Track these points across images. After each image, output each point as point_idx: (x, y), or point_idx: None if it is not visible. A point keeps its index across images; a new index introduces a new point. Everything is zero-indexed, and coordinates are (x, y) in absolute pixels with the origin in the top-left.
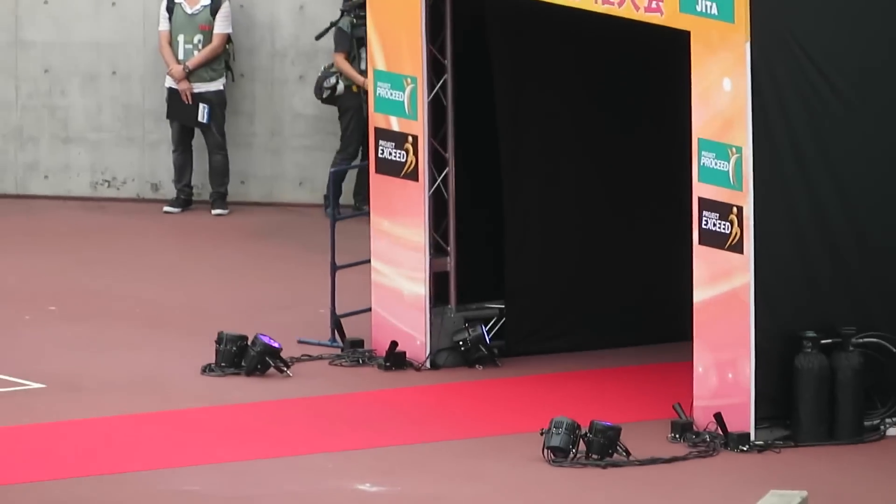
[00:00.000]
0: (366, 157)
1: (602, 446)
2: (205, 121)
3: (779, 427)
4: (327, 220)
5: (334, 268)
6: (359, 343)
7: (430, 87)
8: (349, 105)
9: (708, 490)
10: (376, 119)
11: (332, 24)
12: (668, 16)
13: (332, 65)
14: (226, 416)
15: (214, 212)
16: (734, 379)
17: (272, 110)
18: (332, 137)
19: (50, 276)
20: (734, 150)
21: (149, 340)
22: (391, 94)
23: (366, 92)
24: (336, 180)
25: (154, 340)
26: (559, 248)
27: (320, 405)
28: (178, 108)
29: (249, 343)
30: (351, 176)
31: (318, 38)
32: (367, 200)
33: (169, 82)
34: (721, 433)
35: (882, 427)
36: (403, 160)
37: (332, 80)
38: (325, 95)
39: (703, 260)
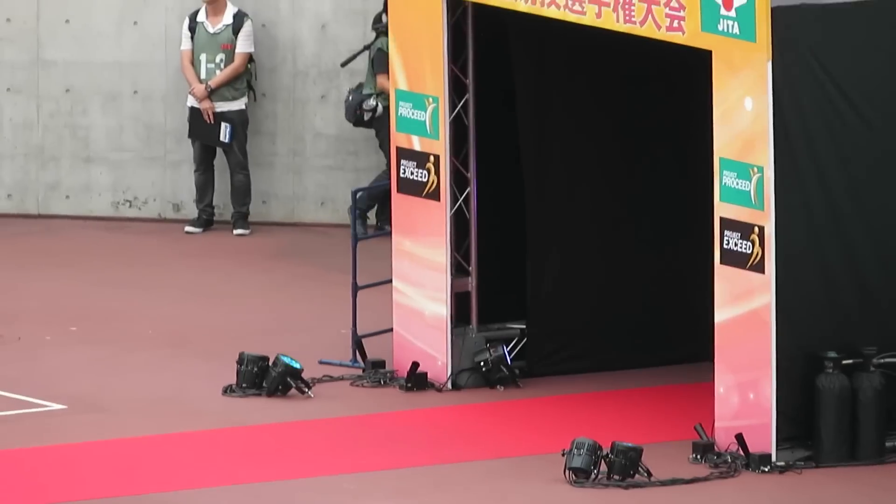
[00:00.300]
0: None
1: (624, 467)
2: (227, 140)
3: (800, 448)
4: (349, 241)
5: (356, 288)
6: (380, 364)
7: (452, 106)
8: None
9: None
10: (398, 139)
11: (366, 47)
12: (690, 35)
13: (360, 86)
14: (247, 436)
15: (236, 232)
16: (755, 399)
17: (294, 130)
18: (353, 157)
19: (71, 296)
20: (756, 169)
21: (170, 361)
22: (413, 114)
23: None
24: (373, 196)
25: (175, 361)
26: (581, 268)
27: (342, 426)
28: (200, 128)
29: (271, 364)
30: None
31: (345, 64)
32: (389, 220)
33: (191, 101)
34: (742, 454)
35: None
36: (425, 180)
37: (372, 101)
38: (365, 118)
39: (725, 280)
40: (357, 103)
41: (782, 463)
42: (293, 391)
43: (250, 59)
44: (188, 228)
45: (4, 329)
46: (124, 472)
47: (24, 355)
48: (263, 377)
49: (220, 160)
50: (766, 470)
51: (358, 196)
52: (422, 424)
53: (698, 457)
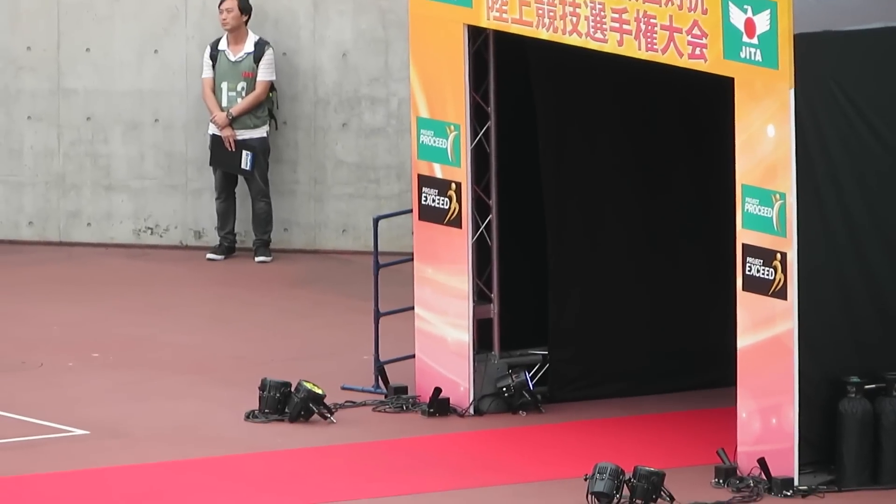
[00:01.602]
0: None
1: (646, 491)
2: (248, 168)
3: (822, 472)
4: (370, 268)
5: (378, 314)
6: (402, 389)
7: (474, 134)
8: None
9: None
10: (419, 166)
11: None
12: (712, 62)
13: None
14: (269, 462)
15: (258, 259)
16: (778, 424)
17: (315, 158)
18: (373, 185)
19: (93, 323)
20: (778, 196)
21: (192, 387)
22: (434, 142)
23: None
24: None
25: (197, 387)
26: (603, 294)
27: (364, 452)
28: (222, 156)
29: (293, 389)
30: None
31: None
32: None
33: (212, 129)
34: (765, 478)
35: None
36: (447, 207)
37: None
38: None
39: (747, 306)
40: None
41: (805, 487)
42: (316, 417)
43: (272, 87)
44: (210, 255)
45: (27, 356)
46: (147, 498)
47: (47, 382)
48: (286, 403)
49: (241, 188)
50: (789, 494)
51: None
52: (444, 450)
53: (721, 481)
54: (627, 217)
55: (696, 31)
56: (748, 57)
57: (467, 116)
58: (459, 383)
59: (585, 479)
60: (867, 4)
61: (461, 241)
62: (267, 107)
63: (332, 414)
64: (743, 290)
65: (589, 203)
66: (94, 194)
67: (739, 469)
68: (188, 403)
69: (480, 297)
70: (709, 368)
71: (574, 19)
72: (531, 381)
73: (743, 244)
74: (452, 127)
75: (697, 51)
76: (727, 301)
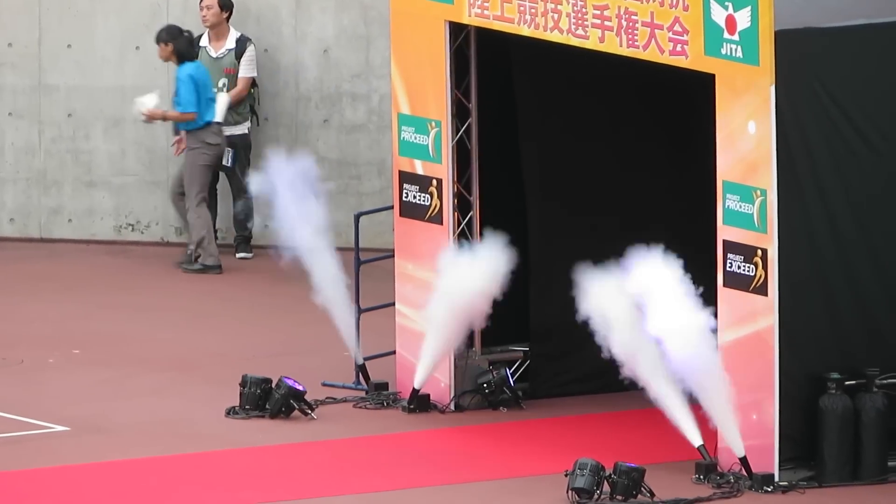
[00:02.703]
0: None
1: (626, 487)
2: (229, 165)
3: (803, 468)
4: (351, 264)
5: (359, 311)
6: (383, 386)
7: (455, 130)
8: None
9: None
10: (401, 163)
11: None
12: (693, 59)
13: None
14: (250, 458)
15: (239, 255)
16: (758, 420)
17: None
18: (354, 181)
19: (74, 319)
20: (759, 192)
21: (173, 384)
22: (415, 138)
23: None
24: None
25: (178, 384)
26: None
27: (345, 448)
28: None
29: (274, 386)
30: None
31: None
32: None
33: None
34: (745, 474)
35: None
36: (428, 203)
37: None
38: None
39: (728, 302)
40: None
41: (785, 483)
42: (296, 413)
43: (253, 83)
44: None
45: (7, 352)
46: (127, 494)
47: (28, 378)
48: (267, 399)
49: (222, 184)
50: (769, 490)
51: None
52: (425, 446)
53: (701, 477)
54: (609, 213)
55: (677, 27)
56: (729, 53)
57: (448, 113)
58: (440, 379)
59: (566, 475)
60: (849, 1)
61: (442, 238)
62: (248, 103)
63: (312, 410)
64: (724, 286)
65: (570, 199)
66: (76, 191)
67: (720, 465)
68: (169, 400)
69: None
70: None
71: (555, 16)
72: (512, 378)
73: (724, 240)
74: (434, 123)
75: (679, 47)
76: (710, 296)
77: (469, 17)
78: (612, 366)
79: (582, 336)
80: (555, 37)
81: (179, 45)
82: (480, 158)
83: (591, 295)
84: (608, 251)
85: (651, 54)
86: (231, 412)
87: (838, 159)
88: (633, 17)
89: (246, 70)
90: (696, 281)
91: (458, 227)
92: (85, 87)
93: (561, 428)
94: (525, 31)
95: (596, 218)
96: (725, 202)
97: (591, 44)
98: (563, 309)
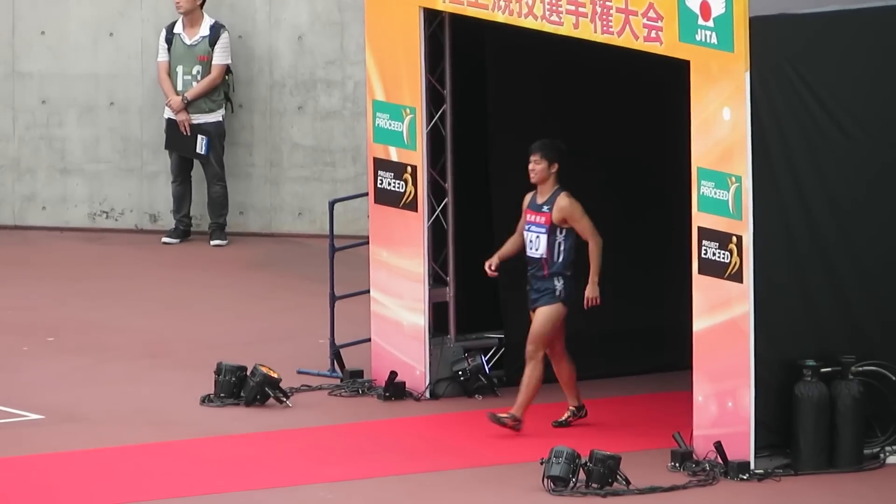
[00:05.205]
0: None
1: (602, 475)
2: (203, 152)
3: (779, 455)
4: (326, 251)
5: (333, 298)
6: (358, 373)
7: (429, 117)
8: None
9: None
10: (375, 149)
11: None
12: (668, 45)
13: None
14: (225, 446)
15: (213, 243)
16: (734, 408)
17: (271, 141)
18: (329, 168)
19: (48, 307)
20: (734, 179)
21: (148, 371)
22: (390, 125)
23: None
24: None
25: (153, 372)
26: None
27: (320, 435)
28: (177, 140)
29: (249, 373)
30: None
31: None
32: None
33: (168, 113)
34: (721, 462)
35: (882, 455)
36: (402, 190)
37: None
38: None
39: (703, 289)
40: None
41: (761, 471)
42: (271, 401)
43: (227, 70)
44: (165, 239)
45: None
46: (101, 482)
47: (1, 366)
48: (241, 387)
49: (197, 171)
50: (745, 478)
51: None
52: (400, 434)
53: (677, 465)
54: (585, 198)
55: (651, 13)
56: (704, 40)
57: (423, 99)
58: (415, 367)
59: (541, 463)
60: None
61: (417, 225)
62: (223, 90)
63: (287, 398)
64: (699, 273)
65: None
66: (49, 178)
67: (695, 453)
68: (144, 387)
69: (436, 280)
70: (666, 351)
71: (530, 2)
72: (487, 365)
73: (699, 227)
74: (408, 110)
75: (653, 33)
76: (686, 283)
77: (444, 4)
78: (584, 353)
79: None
80: (529, 23)
81: None
82: (454, 145)
83: None
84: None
85: (625, 41)
86: (206, 400)
87: (813, 145)
88: (607, 3)
89: (220, 57)
90: (675, 268)
91: (433, 214)
92: (58, 74)
93: (536, 415)
94: (499, 17)
95: None
96: (700, 188)
97: (566, 30)
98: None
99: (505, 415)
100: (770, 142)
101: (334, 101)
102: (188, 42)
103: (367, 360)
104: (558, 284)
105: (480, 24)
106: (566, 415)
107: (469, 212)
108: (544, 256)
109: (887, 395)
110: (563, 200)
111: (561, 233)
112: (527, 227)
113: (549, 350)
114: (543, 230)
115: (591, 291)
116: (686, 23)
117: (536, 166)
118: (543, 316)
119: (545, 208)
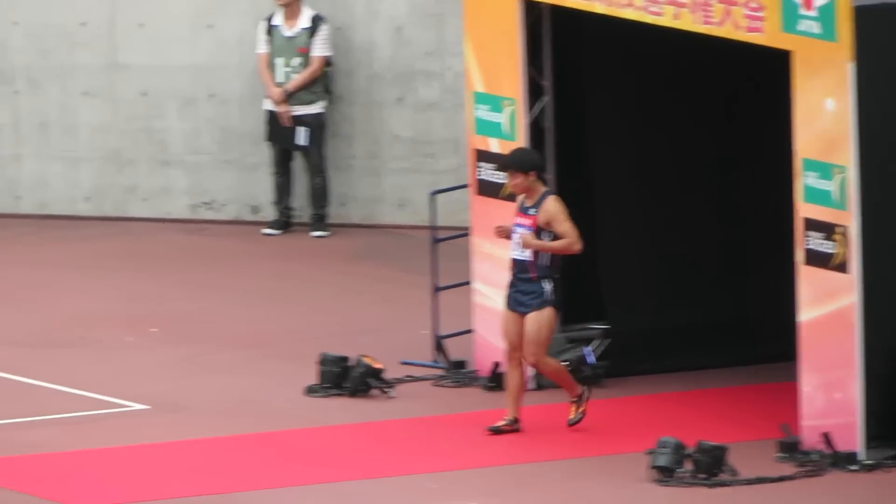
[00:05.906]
0: None
1: (709, 465)
2: (304, 143)
3: (887, 446)
4: (427, 242)
5: (436, 289)
6: (461, 364)
7: (530, 108)
8: None
9: None
10: (475, 141)
11: None
12: (770, 35)
13: None
14: (330, 436)
15: (314, 234)
16: (841, 398)
17: (371, 133)
18: (429, 159)
19: (150, 298)
20: (838, 169)
21: (251, 362)
22: (490, 116)
23: None
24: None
25: (256, 362)
26: (660, 268)
27: (424, 426)
28: (278, 131)
29: (354, 364)
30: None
31: None
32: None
33: (268, 105)
34: (829, 452)
35: None
36: (503, 182)
37: None
38: None
39: (808, 280)
40: None
41: (870, 461)
42: (375, 391)
43: (327, 62)
44: (266, 230)
45: (86, 331)
46: (206, 472)
47: (106, 357)
48: (345, 377)
49: (298, 162)
50: (854, 469)
51: None
52: None
53: (784, 455)
54: (684, 190)
55: (753, 3)
56: (807, 30)
57: (523, 91)
58: None
59: (647, 454)
60: None
61: None
62: (322, 82)
63: (391, 388)
64: (804, 264)
65: (641, 177)
66: (150, 169)
67: (803, 443)
68: (246, 378)
69: None
70: (772, 342)
71: None
72: (592, 355)
73: (803, 218)
74: (508, 101)
75: (755, 23)
76: (790, 274)
77: None
78: (691, 343)
79: (660, 313)
80: (628, 13)
81: None
82: (556, 136)
83: None
84: (684, 228)
85: (727, 31)
86: (310, 391)
87: None
88: None
89: (320, 49)
90: (779, 258)
91: None
92: (158, 66)
93: (642, 406)
94: (599, 7)
95: (670, 196)
96: (805, 179)
97: (666, 21)
98: (642, 287)
99: (501, 422)
100: (877, 132)
101: (434, 92)
102: (288, 34)
103: (469, 351)
104: (547, 288)
105: (580, 14)
106: (503, 422)
107: (569, 201)
108: (530, 259)
109: None
110: (549, 204)
111: (546, 236)
112: (514, 229)
113: (511, 353)
114: (528, 233)
115: (530, 237)
116: (788, 13)
117: (513, 181)
118: (537, 322)
119: (531, 211)
